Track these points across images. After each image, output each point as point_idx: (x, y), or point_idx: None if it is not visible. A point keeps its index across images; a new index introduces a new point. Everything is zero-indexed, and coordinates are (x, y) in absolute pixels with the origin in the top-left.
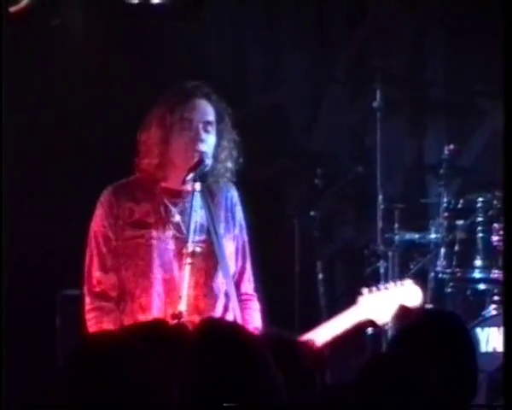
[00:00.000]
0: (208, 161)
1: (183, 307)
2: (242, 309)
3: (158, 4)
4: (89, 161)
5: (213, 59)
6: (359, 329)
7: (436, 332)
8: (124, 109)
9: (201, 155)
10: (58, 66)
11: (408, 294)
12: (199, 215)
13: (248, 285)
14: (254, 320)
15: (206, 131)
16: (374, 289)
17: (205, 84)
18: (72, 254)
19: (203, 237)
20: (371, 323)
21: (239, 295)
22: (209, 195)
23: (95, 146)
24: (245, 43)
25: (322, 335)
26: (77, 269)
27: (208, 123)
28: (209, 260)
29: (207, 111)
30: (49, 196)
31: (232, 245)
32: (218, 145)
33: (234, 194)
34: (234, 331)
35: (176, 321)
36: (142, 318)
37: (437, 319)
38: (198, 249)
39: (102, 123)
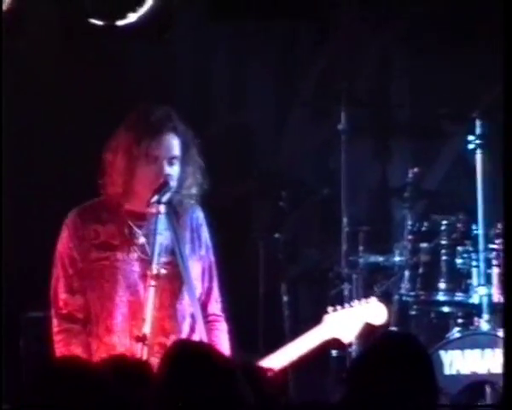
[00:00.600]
0: (173, 184)
1: (147, 329)
2: (210, 330)
3: (124, 26)
4: (53, 182)
5: (179, 80)
6: (325, 347)
7: (395, 354)
8: (89, 130)
9: (166, 177)
10: (22, 84)
11: (373, 311)
12: (164, 237)
13: (216, 306)
14: (222, 341)
15: (171, 164)
16: (339, 307)
17: (171, 115)
18: (36, 276)
19: (169, 259)
20: (337, 341)
21: (206, 316)
22: (174, 216)
23: (59, 167)
24: (210, 64)
25: (288, 354)
26: (40, 292)
27: (173, 158)
28: (175, 282)
29: (173, 146)
30: (13, 217)
31: (198, 266)
32: (183, 172)
33: (199, 215)
34: (205, 352)
35: (140, 346)
36: (107, 340)
37: (396, 342)
38: (163, 271)
39: (66, 144)
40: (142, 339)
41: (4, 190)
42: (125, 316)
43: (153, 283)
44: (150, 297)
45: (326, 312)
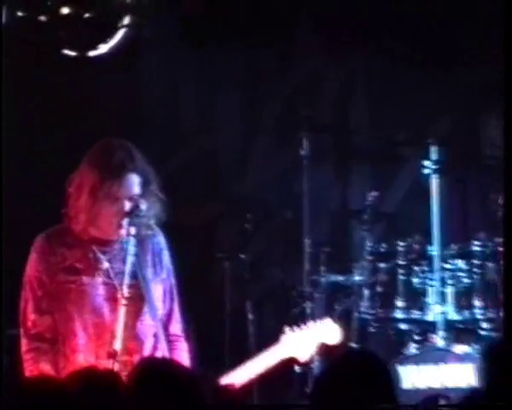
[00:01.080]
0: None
1: (118, 345)
2: (171, 350)
3: (94, 56)
4: (22, 207)
5: (148, 107)
6: (283, 366)
7: (356, 371)
8: (56, 155)
9: (136, 201)
10: None
11: (327, 331)
12: (128, 262)
13: (176, 326)
14: (182, 360)
15: (132, 200)
16: (295, 328)
17: (132, 155)
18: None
19: (132, 282)
20: (294, 360)
21: (168, 335)
22: (137, 241)
23: (27, 193)
24: (179, 93)
25: (248, 371)
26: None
27: (134, 195)
28: (138, 303)
29: (133, 185)
30: None
31: (160, 288)
32: (143, 205)
33: (160, 239)
34: (170, 369)
35: (111, 360)
36: (73, 359)
37: (357, 359)
38: (127, 294)
39: (32, 169)
40: (113, 355)
41: None
42: (90, 336)
43: (124, 302)
44: (121, 316)
45: (283, 332)
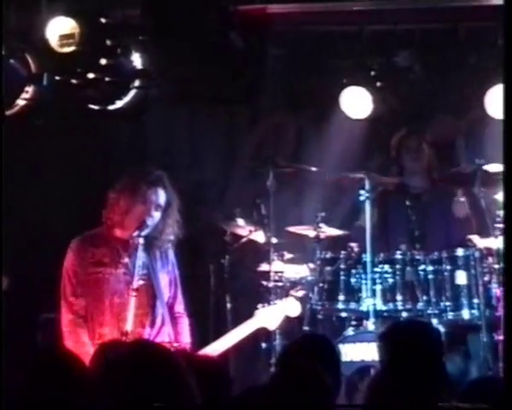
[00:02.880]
0: (150, 224)
1: (129, 327)
2: (176, 323)
3: (113, 109)
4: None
5: (151, 148)
6: (256, 337)
7: (311, 346)
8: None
9: (146, 219)
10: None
11: (290, 306)
12: (141, 259)
13: (180, 306)
14: (185, 330)
15: (156, 210)
16: (266, 304)
17: (163, 178)
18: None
19: (145, 272)
20: (264, 329)
21: (173, 313)
22: (149, 247)
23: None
24: (174, 137)
25: (228, 340)
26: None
27: (159, 206)
28: (150, 290)
29: (161, 197)
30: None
31: (166, 278)
32: (164, 222)
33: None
34: (156, 350)
35: (124, 338)
36: (100, 331)
37: (311, 338)
38: (141, 282)
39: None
40: (125, 334)
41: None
42: (113, 314)
43: (133, 294)
44: (131, 304)
45: (257, 308)
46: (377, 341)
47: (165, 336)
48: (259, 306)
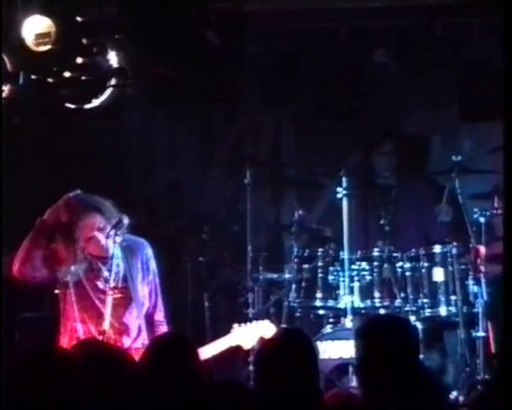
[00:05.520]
0: (125, 221)
1: (106, 326)
2: (155, 332)
3: (90, 108)
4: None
5: (128, 147)
6: (232, 351)
7: (289, 343)
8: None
9: (120, 217)
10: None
11: (265, 328)
12: (121, 268)
13: (160, 314)
14: None
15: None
16: (242, 324)
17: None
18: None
19: (124, 285)
20: (240, 347)
21: (153, 321)
22: (129, 251)
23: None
24: (151, 135)
25: (205, 353)
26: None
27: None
28: (127, 298)
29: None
30: None
31: (147, 288)
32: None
33: (148, 251)
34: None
35: (101, 337)
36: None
37: (289, 334)
38: (119, 295)
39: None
40: (102, 333)
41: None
42: (93, 313)
43: (110, 292)
44: (109, 303)
45: (233, 327)
46: (354, 337)
47: (138, 344)
48: (235, 325)
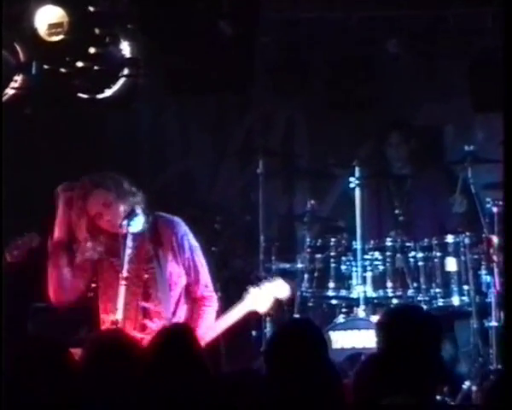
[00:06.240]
0: (138, 211)
1: (119, 316)
2: (199, 307)
3: (102, 98)
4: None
5: (141, 136)
6: (246, 320)
7: (299, 332)
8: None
9: (133, 206)
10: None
11: (279, 288)
12: (127, 253)
13: (205, 289)
14: (207, 314)
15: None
16: (255, 286)
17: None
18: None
19: (151, 266)
20: (254, 312)
21: (196, 298)
22: (156, 231)
23: None
24: (164, 126)
25: (219, 325)
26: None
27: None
28: (152, 282)
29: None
30: None
31: (182, 266)
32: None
33: (180, 229)
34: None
35: (114, 326)
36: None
37: (299, 325)
38: (125, 274)
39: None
40: (115, 323)
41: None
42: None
43: (123, 282)
44: (121, 293)
45: (247, 291)
46: (375, 328)
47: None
48: (249, 288)
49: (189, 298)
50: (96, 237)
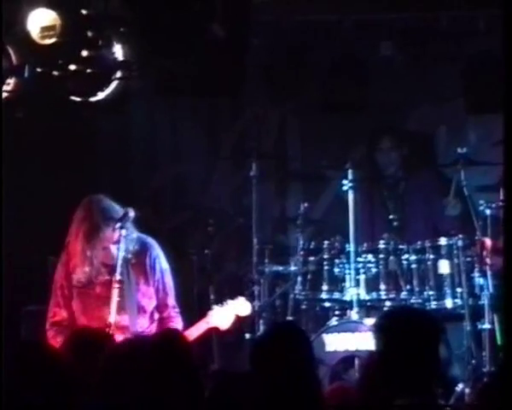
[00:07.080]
0: (131, 214)
1: (112, 319)
2: (165, 324)
3: (94, 101)
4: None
5: (133, 139)
6: (208, 333)
7: (284, 336)
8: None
9: (126, 210)
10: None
11: (240, 306)
12: (120, 256)
13: (172, 310)
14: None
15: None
16: (219, 305)
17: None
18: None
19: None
20: (216, 328)
21: (162, 317)
22: (133, 255)
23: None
24: (156, 128)
25: (188, 336)
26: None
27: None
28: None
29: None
30: None
31: (153, 288)
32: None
33: (153, 251)
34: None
35: (107, 329)
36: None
37: (282, 328)
38: (118, 277)
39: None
40: (108, 326)
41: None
42: (98, 307)
43: (116, 285)
44: (114, 296)
45: (211, 308)
46: (373, 329)
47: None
48: (213, 307)
49: (157, 318)
50: (93, 265)
